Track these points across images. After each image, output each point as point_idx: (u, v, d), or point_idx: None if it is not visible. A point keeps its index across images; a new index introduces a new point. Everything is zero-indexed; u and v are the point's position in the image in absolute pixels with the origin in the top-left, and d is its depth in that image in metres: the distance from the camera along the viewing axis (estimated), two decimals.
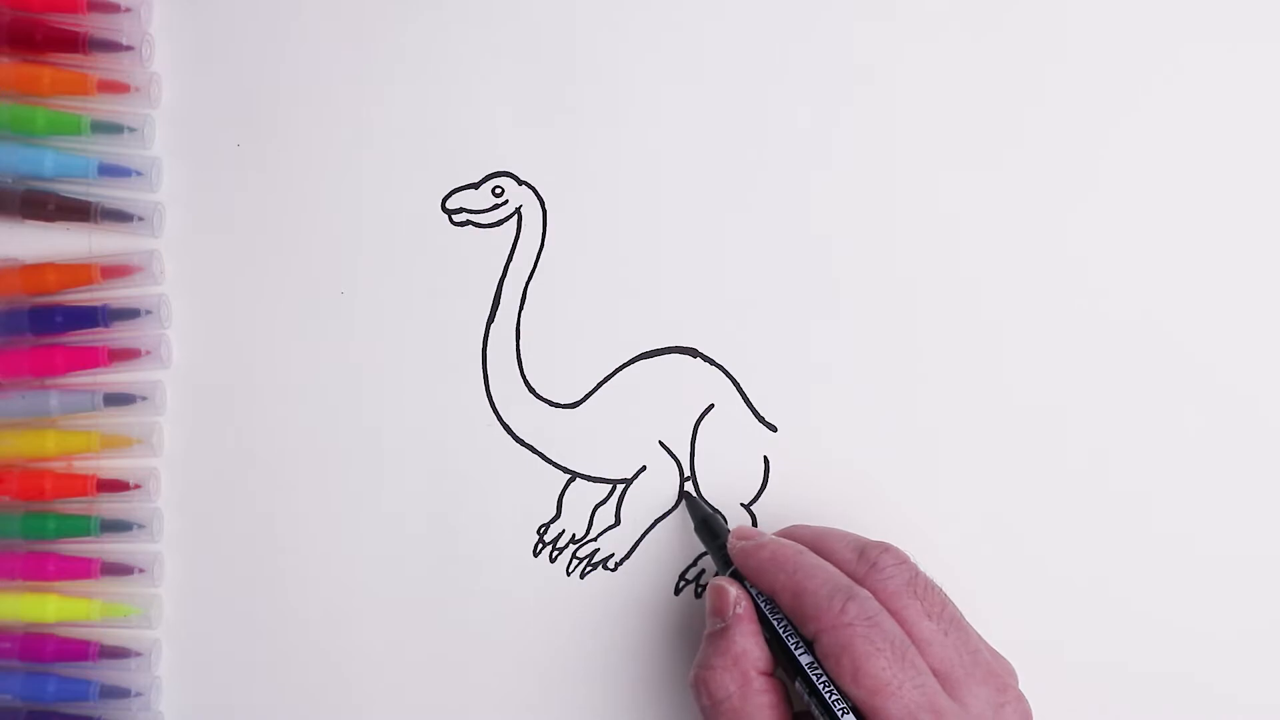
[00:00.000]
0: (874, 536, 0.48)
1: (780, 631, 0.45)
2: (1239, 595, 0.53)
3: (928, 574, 0.46)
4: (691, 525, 0.52)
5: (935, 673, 0.43)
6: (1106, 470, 0.53)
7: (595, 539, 0.53)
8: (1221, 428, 0.53)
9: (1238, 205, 0.53)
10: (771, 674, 0.46)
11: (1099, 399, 0.53)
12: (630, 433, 0.53)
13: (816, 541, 0.48)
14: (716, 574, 0.49)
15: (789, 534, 0.49)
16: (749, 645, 0.46)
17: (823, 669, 0.44)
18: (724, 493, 0.53)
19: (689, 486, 0.53)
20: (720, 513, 0.53)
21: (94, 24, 0.52)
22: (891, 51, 0.53)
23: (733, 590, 0.47)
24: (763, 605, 0.46)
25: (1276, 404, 0.53)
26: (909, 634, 0.44)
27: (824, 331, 0.53)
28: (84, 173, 0.52)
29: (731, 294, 0.53)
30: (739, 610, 0.46)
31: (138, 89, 0.52)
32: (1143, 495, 0.53)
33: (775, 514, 0.53)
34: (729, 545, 0.48)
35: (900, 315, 0.53)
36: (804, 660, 0.44)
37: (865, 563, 0.46)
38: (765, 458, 0.53)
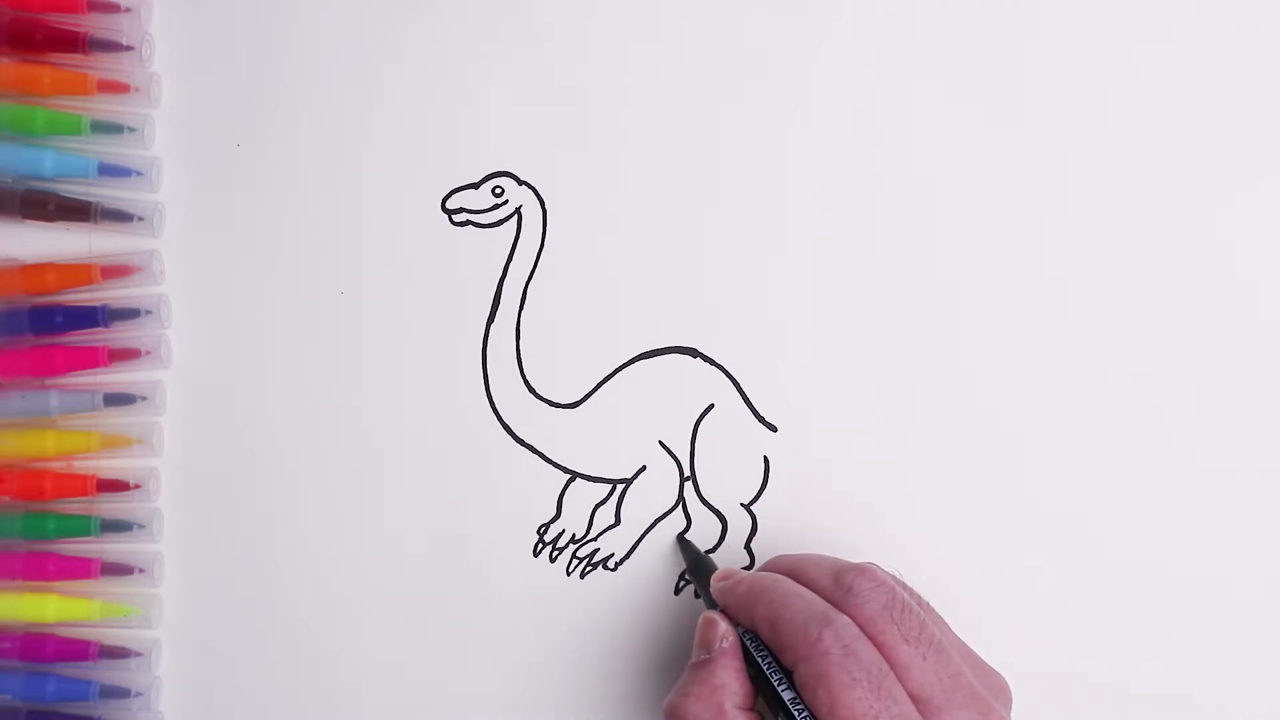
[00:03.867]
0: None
1: (764, 666, 0.45)
2: (1230, 608, 0.53)
3: (911, 590, 0.46)
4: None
5: (915, 698, 0.43)
6: (1106, 470, 0.53)
7: (595, 539, 0.53)
8: (1217, 439, 0.53)
9: (1238, 208, 0.53)
10: (751, 709, 0.45)
11: (1099, 400, 0.53)
12: (630, 433, 0.53)
13: (795, 569, 0.47)
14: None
15: (769, 565, 0.49)
16: (729, 679, 0.45)
17: (803, 703, 0.43)
18: (724, 493, 0.53)
19: (687, 497, 0.53)
20: (721, 514, 0.53)
21: (94, 24, 0.52)
22: (892, 52, 0.53)
23: (722, 624, 0.46)
24: (748, 643, 0.46)
25: (1271, 417, 0.53)
26: (888, 659, 0.43)
27: (824, 332, 0.53)
28: (84, 173, 0.52)
29: (731, 294, 0.53)
30: (724, 644, 0.46)
31: (138, 89, 0.52)
32: (1144, 498, 0.53)
33: (775, 514, 0.53)
34: (711, 587, 0.48)
35: (900, 316, 0.53)
36: (786, 696, 0.43)
37: (841, 588, 0.45)
38: (765, 458, 0.53)
